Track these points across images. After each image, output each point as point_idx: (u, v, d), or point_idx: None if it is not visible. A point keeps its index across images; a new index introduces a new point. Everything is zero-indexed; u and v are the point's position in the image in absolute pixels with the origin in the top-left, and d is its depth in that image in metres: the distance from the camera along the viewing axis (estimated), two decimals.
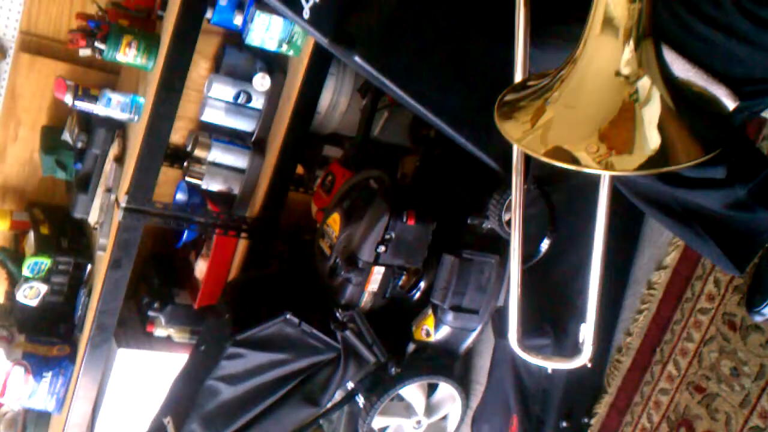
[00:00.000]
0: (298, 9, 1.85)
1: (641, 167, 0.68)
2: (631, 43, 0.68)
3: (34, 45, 2.51)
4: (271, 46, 2.26)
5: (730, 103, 1.08)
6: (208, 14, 2.22)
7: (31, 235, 2.59)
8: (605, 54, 0.69)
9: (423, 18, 1.89)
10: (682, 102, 0.69)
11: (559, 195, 1.82)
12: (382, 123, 2.45)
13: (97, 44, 2.14)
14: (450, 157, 2.39)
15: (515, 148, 1.08)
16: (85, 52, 2.16)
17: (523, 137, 0.77)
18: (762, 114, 1.24)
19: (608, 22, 0.68)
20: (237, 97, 2.38)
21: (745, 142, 1.28)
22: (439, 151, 2.39)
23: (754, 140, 1.69)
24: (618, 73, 0.68)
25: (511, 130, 0.79)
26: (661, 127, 0.67)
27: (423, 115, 1.93)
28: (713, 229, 1.30)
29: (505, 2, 1.07)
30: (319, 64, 2.31)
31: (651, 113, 0.68)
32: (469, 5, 1.87)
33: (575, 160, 0.70)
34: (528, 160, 1.80)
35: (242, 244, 2.49)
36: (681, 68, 1.05)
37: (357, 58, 1.82)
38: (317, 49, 2.25)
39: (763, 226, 1.30)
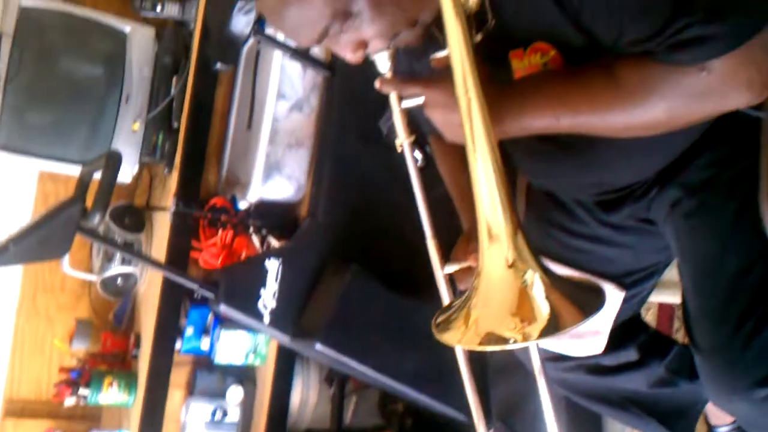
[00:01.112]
0: (258, 316, 2.13)
1: (544, 332, 0.91)
2: (512, 248, 0.95)
3: (18, 409, 2.67)
4: (239, 360, 2.49)
5: (619, 294, 1.36)
6: (177, 345, 2.47)
7: None
8: (497, 260, 0.96)
9: (367, 300, 2.18)
10: (558, 280, 0.95)
11: (521, 424, 1.99)
12: (352, 408, 2.63)
13: (81, 391, 2.34)
14: (421, 426, 2.56)
15: (471, 398, 1.22)
16: (70, 401, 2.35)
17: (460, 339, 1.00)
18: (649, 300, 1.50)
19: (493, 237, 0.95)
20: (213, 413, 2.55)
21: (644, 326, 1.53)
22: (411, 422, 2.56)
23: (669, 330, 1.95)
24: (509, 270, 0.95)
25: (449, 338, 1.01)
26: (549, 300, 0.93)
27: (386, 384, 2.14)
28: (649, 409, 1.49)
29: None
30: (285, 367, 2.53)
31: (538, 291, 0.93)
32: (400, 284, 2.19)
33: (504, 340, 0.93)
34: (487, 402, 2.03)
35: None
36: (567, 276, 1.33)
37: (318, 346, 2.06)
38: (281, 352, 2.49)
39: (691, 397, 1.50)
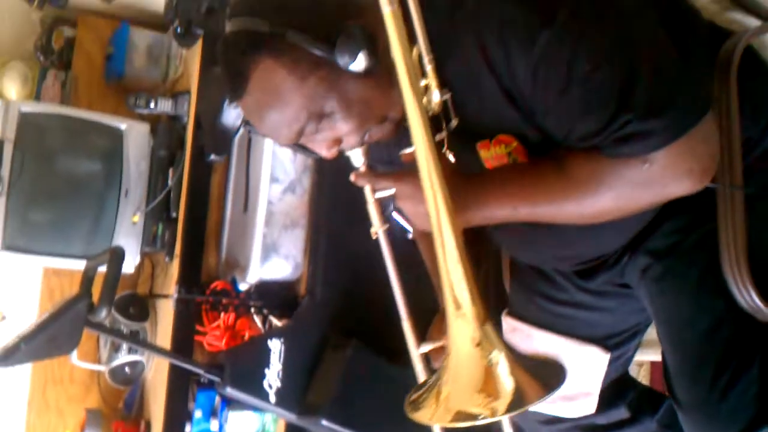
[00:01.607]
0: (264, 396, 2.18)
1: (510, 407, 0.97)
2: (478, 328, 1.01)
3: None
4: None
5: (604, 356, 1.42)
6: (187, 429, 2.51)
7: None
8: (464, 340, 1.02)
9: (369, 374, 2.23)
10: (521, 359, 1.02)
11: None
12: None
13: None
14: None
15: None
16: None
17: (432, 416, 1.05)
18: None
19: (459, 317, 1.02)
20: None
21: (634, 384, 1.58)
22: None
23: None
24: (476, 348, 1.01)
25: (421, 416, 1.06)
26: (513, 377, 0.99)
27: None
28: None
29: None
30: None
31: (503, 369, 1.00)
32: (400, 356, 2.24)
33: (473, 416, 0.99)
34: None
35: None
36: (554, 342, 1.40)
37: (324, 422, 2.11)
38: (289, 430, 2.52)
39: None
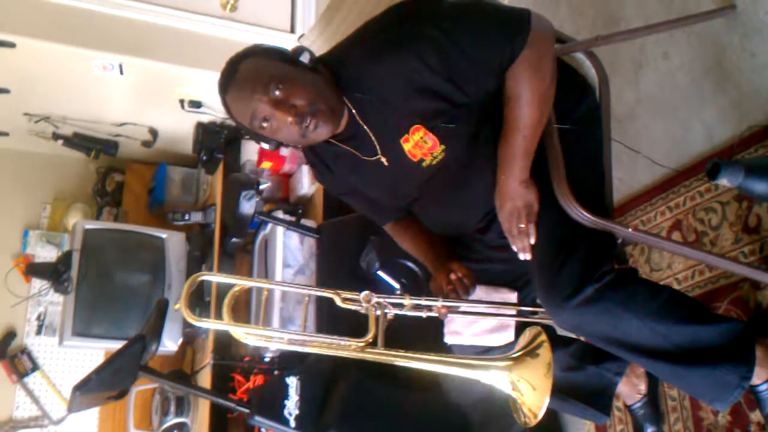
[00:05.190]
0: (286, 422, 2.66)
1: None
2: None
3: None
4: None
5: (513, 295, 1.90)
6: None
7: None
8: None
9: (374, 395, 2.70)
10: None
11: None
12: None
13: None
14: None
15: None
16: None
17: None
18: None
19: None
20: None
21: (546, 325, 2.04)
22: None
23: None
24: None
25: None
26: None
27: None
28: (569, 391, 1.96)
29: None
30: None
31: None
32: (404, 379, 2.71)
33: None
34: None
35: None
36: (480, 291, 1.88)
37: None
38: None
39: (598, 379, 1.97)
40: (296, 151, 3.52)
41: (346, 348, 1.41)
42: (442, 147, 1.59)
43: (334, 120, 1.57)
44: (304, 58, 1.55)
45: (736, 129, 1.92)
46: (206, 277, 1.52)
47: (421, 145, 1.60)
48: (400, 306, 1.56)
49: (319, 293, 1.52)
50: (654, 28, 1.88)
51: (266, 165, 3.43)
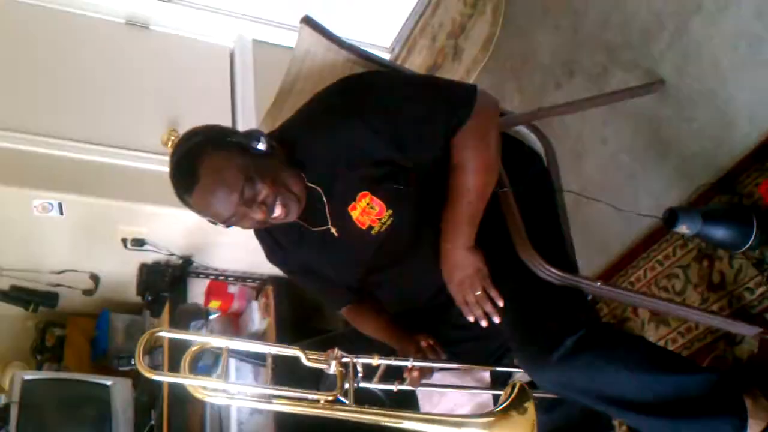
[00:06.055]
0: None
1: None
2: None
3: None
4: None
5: (486, 374, 1.82)
6: None
7: None
8: None
9: None
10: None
11: None
12: None
13: None
14: None
15: None
16: None
17: None
18: None
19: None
20: None
21: None
22: None
23: None
24: None
25: None
26: None
27: None
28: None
29: None
30: None
31: None
32: None
33: None
34: None
35: None
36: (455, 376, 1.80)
37: None
38: None
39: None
40: (244, 288, 3.45)
41: (314, 405, 1.30)
42: (390, 212, 1.57)
43: (300, 203, 1.56)
44: (262, 144, 1.54)
45: (684, 193, 1.95)
46: (162, 333, 1.42)
47: (368, 211, 1.58)
48: (369, 379, 1.48)
49: (283, 351, 1.43)
50: (592, 100, 1.94)
51: (214, 304, 3.33)
